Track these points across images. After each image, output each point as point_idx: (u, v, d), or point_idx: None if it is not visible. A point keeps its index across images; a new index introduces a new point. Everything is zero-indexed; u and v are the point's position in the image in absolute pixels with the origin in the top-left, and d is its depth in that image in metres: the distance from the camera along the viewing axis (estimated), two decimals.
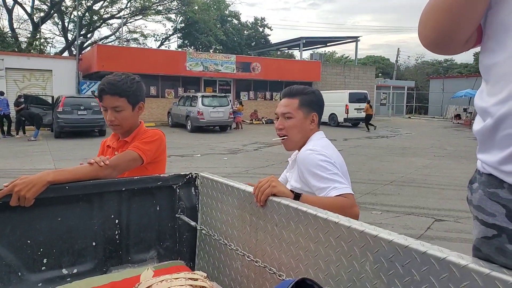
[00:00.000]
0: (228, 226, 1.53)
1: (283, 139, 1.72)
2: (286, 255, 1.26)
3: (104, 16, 32.13)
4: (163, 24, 61.78)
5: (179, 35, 37.42)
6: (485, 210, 0.90)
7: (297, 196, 1.37)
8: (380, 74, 38.97)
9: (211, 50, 35.21)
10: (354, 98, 20.91)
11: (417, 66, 43.60)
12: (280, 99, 1.79)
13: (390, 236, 0.97)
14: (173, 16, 35.13)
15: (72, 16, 29.95)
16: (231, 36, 39.23)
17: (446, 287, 0.85)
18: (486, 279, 0.78)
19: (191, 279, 1.16)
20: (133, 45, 34.14)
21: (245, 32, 42.03)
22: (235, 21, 41.58)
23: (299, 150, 1.71)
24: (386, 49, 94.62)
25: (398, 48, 50.76)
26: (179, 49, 32.65)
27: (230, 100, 18.80)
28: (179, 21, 35.76)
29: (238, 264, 1.48)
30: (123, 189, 1.62)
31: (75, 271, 1.54)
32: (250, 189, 1.43)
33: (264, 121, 23.06)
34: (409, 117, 31.75)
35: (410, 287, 0.92)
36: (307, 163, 1.58)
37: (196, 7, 33.87)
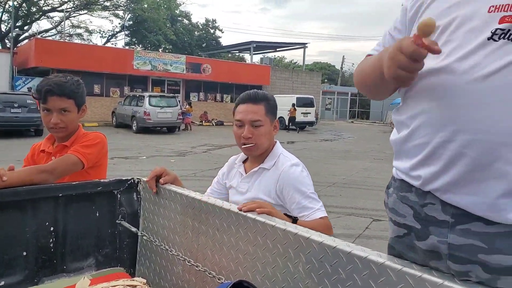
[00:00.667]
0: (170, 231, 1.55)
1: (250, 145, 1.61)
2: (226, 258, 1.31)
3: (44, 8, 30.39)
4: (110, 20, 59.43)
5: (126, 32, 36.28)
6: (397, 212, 1.01)
7: (294, 221, 1.42)
8: (326, 80, 40.33)
9: (160, 50, 34.49)
10: (301, 103, 21.48)
11: None
12: (238, 104, 1.67)
13: (320, 238, 1.05)
14: (120, 13, 34.04)
15: (7, 6, 28.02)
16: (181, 36, 38.72)
17: (366, 283, 0.94)
18: (399, 274, 0.88)
19: (129, 285, 1.17)
20: (76, 40, 32.65)
21: (196, 33, 41.68)
22: (186, 21, 41.15)
23: (259, 159, 1.66)
24: (332, 56, 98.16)
25: (343, 56, 52.92)
26: (127, 47, 31.65)
27: (179, 101, 18.53)
28: (127, 18, 34.69)
29: (179, 269, 1.50)
30: (60, 195, 1.57)
31: (2, 283, 1.46)
32: (194, 194, 1.45)
33: (214, 123, 22.99)
34: (352, 122, 33.16)
35: (337, 285, 1.00)
36: (294, 179, 1.55)
37: (146, 5, 33.06)
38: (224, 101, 25.79)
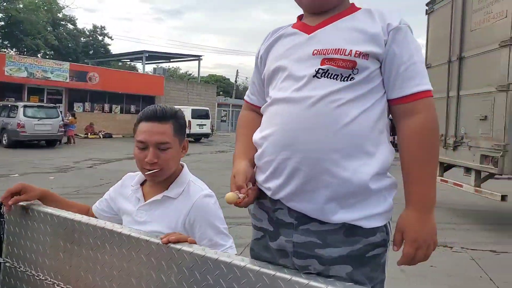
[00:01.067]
0: (39, 255, 1.47)
1: (155, 171, 1.41)
2: (100, 277, 1.30)
3: None
4: None
5: None
6: (256, 217, 1.18)
7: None
8: (221, 93, 41.06)
9: (39, 55, 31.39)
10: (196, 115, 21.56)
11: None
12: (140, 121, 1.45)
13: (191, 249, 1.13)
14: None
15: None
16: (64, 41, 35.78)
17: (231, 286, 1.04)
18: (257, 275, 1.00)
19: None
20: None
21: (82, 39, 38.97)
22: (70, 26, 38.18)
23: (162, 185, 1.48)
24: (227, 70, 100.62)
25: (237, 70, 54.52)
26: None
27: (61, 112, 17.09)
28: None
29: None
30: None
31: None
32: (65, 214, 1.41)
33: (101, 135, 21.69)
34: None
35: None
36: (208, 212, 1.44)
37: (21, 5, 29.90)
38: (113, 112, 24.53)
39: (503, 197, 5.53)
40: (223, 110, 35.53)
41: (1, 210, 1.60)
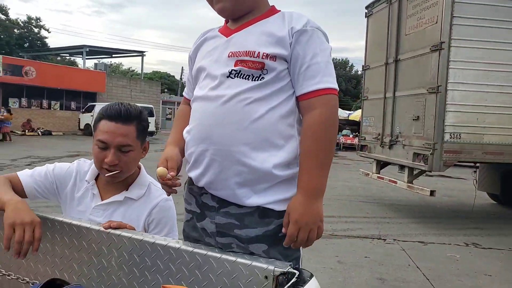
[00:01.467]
0: None
1: (115, 173, 1.40)
2: (42, 264, 1.35)
3: None
4: None
5: None
6: (187, 201, 1.30)
7: None
8: (166, 90, 40.25)
9: None
10: None
11: None
12: (101, 119, 1.41)
13: (129, 234, 1.22)
14: None
15: None
16: None
17: (167, 266, 1.15)
18: (191, 255, 1.12)
19: None
20: None
21: (16, 30, 36.51)
22: (2, 16, 35.66)
23: (121, 185, 1.48)
24: (172, 66, 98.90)
25: (182, 67, 53.64)
26: None
27: None
28: None
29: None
30: None
31: None
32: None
33: (40, 132, 20.54)
34: None
35: (144, 271, 1.19)
36: (168, 216, 1.49)
37: None
38: (52, 108, 23.31)
39: (432, 192, 5.90)
40: (168, 108, 34.87)
41: None
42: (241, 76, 1.13)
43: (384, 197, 8.36)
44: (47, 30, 38.79)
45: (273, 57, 1.12)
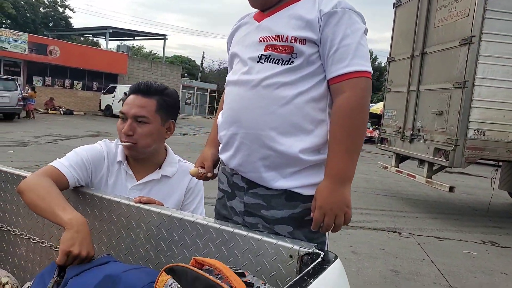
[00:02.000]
0: (13, 214, 1.55)
1: (130, 144, 1.42)
2: None
3: None
4: None
5: None
6: (220, 180, 1.35)
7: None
8: (186, 75, 40.40)
9: None
10: None
11: (219, 70, 47.03)
12: (128, 94, 1.47)
13: (158, 209, 1.26)
14: None
15: None
16: (22, 10, 33.90)
17: (194, 241, 1.19)
18: (218, 231, 1.15)
19: None
20: None
21: (42, 9, 37.02)
22: None
23: (153, 165, 1.51)
24: (193, 51, 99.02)
25: (204, 52, 53.73)
26: None
27: (19, 85, 16.36)
28: None
29: (22, 250, 1.53)
30: None
31: None
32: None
33: (62, 111, 20.95)
34: (211, 117, 34.10)
35: (171, 246, 1.23)
36: (200, 187, 1.58)
37: None
38: (74, 88, 23.68)
39: (451, 189, 5.82)
40: (188, 93, 35.01)
41: None
42: (271, 61, 1.14)
43: (401, 191, 8.30)
44: (72, 10, 39.22)
45: (302, 41, 1.12)
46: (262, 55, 1.15)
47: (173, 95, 1.52)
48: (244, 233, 1.12)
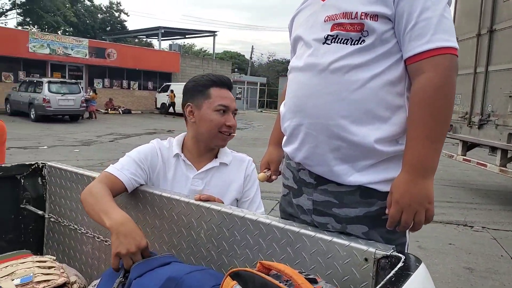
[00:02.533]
0: (78, 213, 1.59)
1: (231, 136, 1.50)
2: None
3: None
4: None
5: (19, 11, 32.65)
6: (284, 175, 1.25)
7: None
8: (236, 70, 40.75)
9: (59, 32, 31.71)
10: None
11: (269, 63, 46.92)
12: (212, 86, 1.46)
13: (218, 207, 1.20)
14: None
15: None
16: (82, 18, 35.96)
17: (257, 242, 1.12)
18: (282, 231, 1.07)
19: (39, 261, 1.21)
20: None
21: (100, 15, 39.03)
22: (88, 3, 38.27)
23: (209, 154, 1.52)
24: (242, 46, 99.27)
25: (252, 46, 53.70)
26: (19, 28, 28.53)
27: (82, 88, 17.37)
28: None
29: (88, 247, 1.55)
30: None
31: None
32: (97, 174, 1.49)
33: (121, 111, 21.98)
34: (261, 111, 34.16)
35: (233, 246, 1.17)
36: (254, 175, 1.56)
37: None
38: (131, 88, 24.73)
39: None
40: (238, 88, 35.23)
41: (43, 172, 1.72)
42: (339, 41, 1.02)
43: (469, 181, 7.75)
44: (126, 13, 41.07)
45: (374, 17, 0.99)
46: (328, 35, 1.04)
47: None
48: (312, 233, 1.03)
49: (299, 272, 0.84)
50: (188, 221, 1.27)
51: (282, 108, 1.21)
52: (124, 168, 1.37)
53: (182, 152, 1.50)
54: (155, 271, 1.04)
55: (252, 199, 1.54)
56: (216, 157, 1.53)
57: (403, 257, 0.88)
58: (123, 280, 1.05)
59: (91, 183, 1.34)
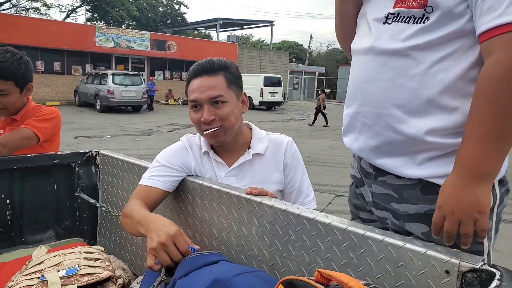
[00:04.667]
0: None
1: (215, 130, 1.27)
2: (184, 226, 1.33)
3: None
4: None
5: (87, 7, 34.71)
6: (351, 164, 1.15)
7: None
8: (293, 59, 40.34)
9: (123, 26, 33.30)
10: (269, 82, 21.47)
11: (328, 52, 45.92)
12: (190, 80, 1.30)
13: (271, 202, 1.09)
14: None
15: None
16: (145, 12, 37.45)
17: (314, 243, 0.99)
18: (344, 233, 0.94)
19: (86, 252, 1.18)
20: (33, 15, 30.91)
21: (160, 8, 40.42)
22: None
23: (240, 146, 1.36)
24: (300, 35, 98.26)
25: (311, 35, 52.96)
26: (88, 23, 30.31)
27: (143, 79, 18.09)
28: None
29: (138, 238, 1.52)
30: (15, 167, 1.55)
31: None
32: (148, 164, 1.45)
33: (180, 102, 22.65)
34: None
35: (287, 246, 1.05)
36: (297, 158, 1.37)
37: None
38: None
39: None
40: (295, 78, 34.89)
41: (97, 160, 1.71)
42: (400, 20, 0.89)
43: None
44: (186, 6, 42.13)
45: None
46: (389, 14, 0.91)
47: (234, 66, 1.34)
48: (380, 237, 0.88)
49: (365, 284, 0.70)
50: (238, 216, 1.17)
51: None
52: (154, 174, 1.32)
53: (211, 149, 1.37)
54: (201, 271, 0.95)
55: (298, 188, 1.37)
56: (249, 147, 1.36)
57: (497, 273, 0.71)
58: (165, 278, 0.98)
59: (126, 204, 1.27)
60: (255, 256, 1.13)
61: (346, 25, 1.12)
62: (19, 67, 1.63)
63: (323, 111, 14.22)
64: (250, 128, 1.42)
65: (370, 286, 0.71)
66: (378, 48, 0.91)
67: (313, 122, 14.28)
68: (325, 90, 15.92)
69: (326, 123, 14.08)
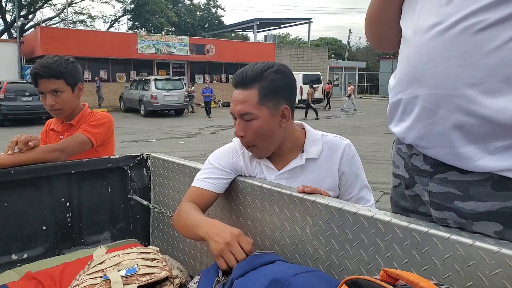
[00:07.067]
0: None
1: (249, 148, 1.27)
2: (236, 226, 1.33)
3: None
4: (111, 5, 59.16)
5: (129, 16, 36.06)
6: (395, 163, 1.05)
7: None
8: (332, 56, 39.72)
9: (163, 32, 34.27)
10: (308, 80, 21.26)
11: (368, 47, 44.74)
12: (233, 87, 1.27)
13: (325, 201, 1.06)
14: None
15: None
16: (183, 17, 38.35)
17: (373, 242, 0.95)
18: (405, 231, 0.89)
19: (143, 253, 1.20)
20: (80, 27, 32.52)
21: (198, 13, 41.21)
22: (187, 2, 40.69)
23: (292, 151, 1.31)
24: (339, 31, 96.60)
25: (350, 30, 51.82)
26: (130, 31, 31.46)
27: (184, 83, 18.51)
28: (128, 2, 34.40)
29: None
30: (73, 171, 1.62)
31: (25, 256, 1.54)
32: (200, 166, 1.46)
33: (220, 104, 22.96)
34: (361, 97, 32.79)
35: (344, 245, 1.02)
36: (355, 163, 1.31)
37: None
38: (229, 82, 25.63)
39: None
40: (335, 74, 34.33)
41: (148, 163, 1.76)
42: None
43: None
44: (223, 9, 42.76)
45: None
46: None
47: (276, 72, 1.22)
48: (445, 234, 0.83)
49: (435, 284, 0.66)
50: (291, 215, 1.15)
51: (390, 81, 1.01)
52: (208, 178, 1.31)
53: None
54: (258, 270, 0.94)
55: (355, 195, 1.30)
56: (302, 151, 1.29)
57: None
58: (223, 278, 0.98)
59: (179, 206, 1.30)
60: (310, 255, 1.11)
61: (384, 28, 1.05)
62: (66, 66, 1.75)
63: (312, 105, 15.93)
64: (304, 129, 1.35)
65: (441, 286, 0.67)
66: (443, 25, 0.82)
67: (305, 116, 15.64)
68: (314, 85, 17.69)
69: (317, 115, 15.64)
